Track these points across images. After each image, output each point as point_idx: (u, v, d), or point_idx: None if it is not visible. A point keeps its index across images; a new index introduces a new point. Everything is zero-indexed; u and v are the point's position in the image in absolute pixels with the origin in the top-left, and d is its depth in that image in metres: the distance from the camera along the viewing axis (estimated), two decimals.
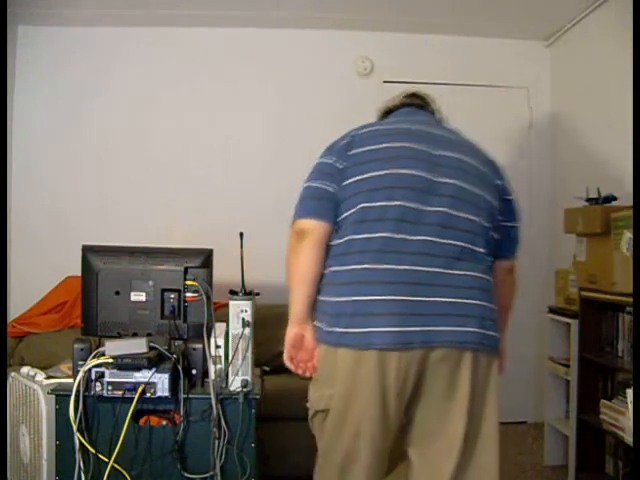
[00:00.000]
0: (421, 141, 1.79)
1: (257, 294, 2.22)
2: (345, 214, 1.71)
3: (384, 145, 1.77)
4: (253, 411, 2.08)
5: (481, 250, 1.74)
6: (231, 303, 2.09)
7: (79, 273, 2.16)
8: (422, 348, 1.60)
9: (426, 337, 1.60)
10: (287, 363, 1.82)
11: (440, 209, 1.68)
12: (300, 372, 1.82)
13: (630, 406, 2.43)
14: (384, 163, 1.71)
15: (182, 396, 2.03)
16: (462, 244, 1.69)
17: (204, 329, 2.06)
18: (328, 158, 1.81)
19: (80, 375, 1.98)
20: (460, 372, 1.64)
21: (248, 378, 2.08)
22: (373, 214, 1.66)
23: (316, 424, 1.83)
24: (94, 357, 2.01)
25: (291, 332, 1.77)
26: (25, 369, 2.33)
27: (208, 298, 2.09)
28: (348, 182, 1.72)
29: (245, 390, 2.06)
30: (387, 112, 2.10)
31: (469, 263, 1.69)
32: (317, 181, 1.79)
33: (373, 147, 1.76)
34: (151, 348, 2.04)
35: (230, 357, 2.07)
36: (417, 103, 2.09)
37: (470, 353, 1.65)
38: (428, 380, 1.64)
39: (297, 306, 1.75)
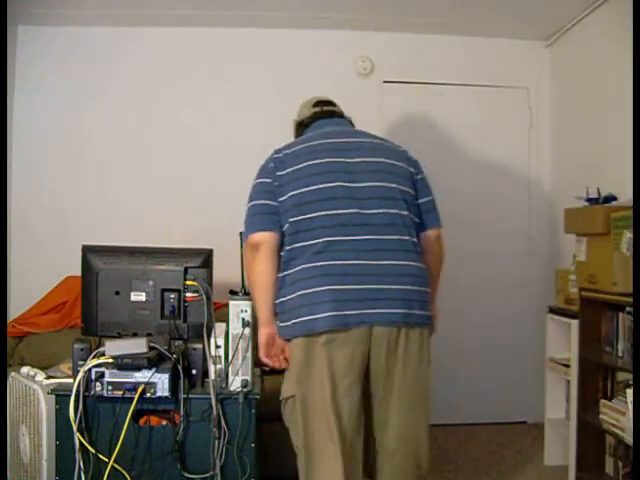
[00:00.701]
0: (338, 154, 2.05)
1: None
2: (284, 227, 1.98)
3: (307, 163, 2.03)
4: (253, 411, 2.08)
5: (406, 238, 2.04)
6: (231, 303, 2.09)
7: (79, 273, 2.16)
8: (361, 328, 1.88)
9: (361, 319, 1.88)
10: (264, 360, 2.02)
11: (372, 211, 1.99)
12: (277, 365, 2.02)
13: (630, 406, 2.44)
14: (309, 179, 1.99)
15: (182, 396, 2.03)
16: (383, 238, 1.97)
17: (204, 329, 2.06)
18: (265, 178, 2.08)
19: (80, 375, 1.98)
20: (397, 348, 1.94)
21: (248, 378, 2.08)
22: (303, 225, 1.95)
23: (287, 413, 1.99)
24: (94, 357, 2.01)
25: (263, 333, 2.00)
26: (25, 369, 2.34)
27: (208, 298, 2.09)
28: (283, 198, 2.00)
29: (245, 390, 2.06)
30: (304, 125, 2.30)
31: (396, 253, 1.98)
32: (261, 199, 2.04)
33: (299, 166, 2.03)
34: (151, 348, 2.04)
35: (230, 357, 2.08)
36: (327, 110, 2.29)
37: (404, 329, 1.95)
38: (372, 358, 1.93)
39: (263, 310, 1.99)
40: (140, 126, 3.78)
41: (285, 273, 1.96)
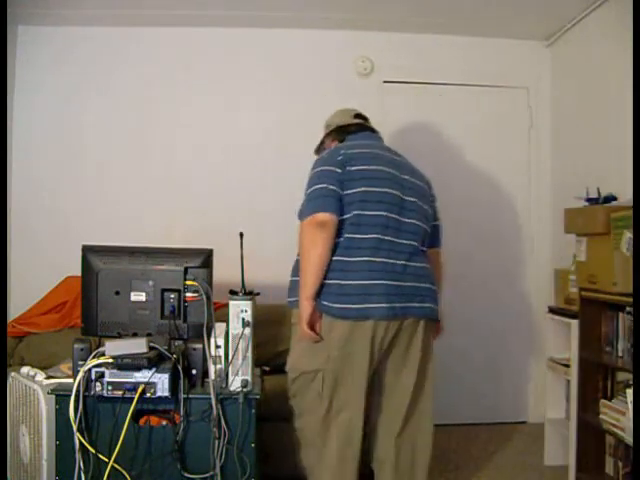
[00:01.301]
0: (391, 166, 2.39)
1: (257, 294, 2.22)
2: (347, 216, 2.23)
3: (375, 167, 2.33)
4: (253, 411, 2.08)
5: (425, 248, 2.45)
6: (231, 303, 2.09)
7: (79, 273, 2.16)
8: (400, 319, 2.24)
9: (404, 311, 2.24)
10: (307, 332, 2.19)
11: (410, 220, 2.34)
12: (312, 338, 2.21)
13: (630, 406, 2.44)
14: (377, 181, 2.29)
15: (182, 396, 2.03)
16: (415, 244, 2.35)
17: (204, 329, 2.06)
18: (334, 167, 2.28)
19: (80, 375, 1.98)
20: (416, 336, 2.32)
21: (248, 378, 2.08)
22: (365, 220, 2.23)
23: (300, 384, 2.27)
24: (94, 357, 2.01)
25: (309, 306, 2.18)
26: (25, 369, 2.34)
27: (208, 298, 2.09)
28: (351, 191, 2.24)
29: (245, 390, 2.06)
30: (347, 131, 2.57)
31: (420, 257, 2.37)
32: (331, 184, 2.24)
33: (369, 167, 2.31)
34: (151, 348, 2.04)
35: (230, 357, 2.08)
36: (369, 127, 2.66)
37: (423, 322, 2.34)
38: (396, 343, 2.28)
39: (314, 287, 2.18)
40: (140, 126, 3.78)
41: (343, 259, 2.21)
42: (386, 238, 2.24)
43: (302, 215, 2.26)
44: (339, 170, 2.26)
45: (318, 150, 2.68)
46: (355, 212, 2.22)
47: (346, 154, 2.32)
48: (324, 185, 2.24)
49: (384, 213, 2.26)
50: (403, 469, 2.35)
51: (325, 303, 2.18)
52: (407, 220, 2.32)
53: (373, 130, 2.63)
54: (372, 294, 2.17)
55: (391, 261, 2.23)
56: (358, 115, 2.66)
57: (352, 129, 2.56)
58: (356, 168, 2.28)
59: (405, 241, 2.30)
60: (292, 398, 2.34)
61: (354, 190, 2.24)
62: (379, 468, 2.37)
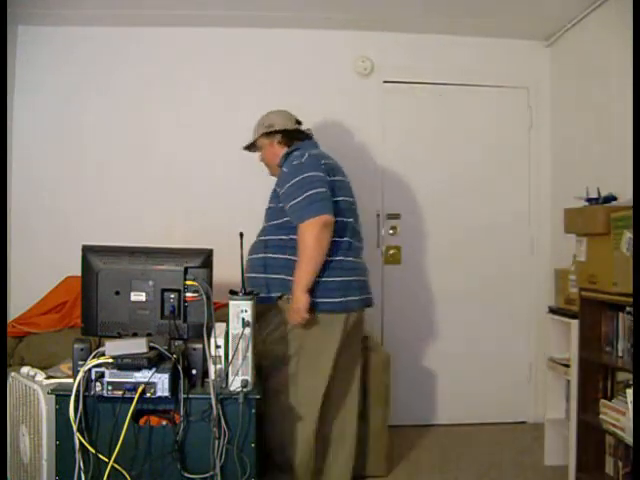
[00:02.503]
0: (344, 174, 2.77)
1: (257, 294, 2.22)
2: None
3: (342, 178, 2.73)
4: (253, 411, 2.08)
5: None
6: (231, 303, 2.09)
7: (79, 273, 2.16)
8: (362, 308, 2.75)
9: (366, 301, 2.75)
10: (304, 315, 2.47)
11: (359, 223, 2.79)
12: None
13: (630, 406, 2.44)
14: (346, 191, 2.72)
15: (182, 396, 2.03)
16: (363, 244, 2.82)
17: (204, 329, 2.06)
18: (320, 173, 2.56)
19: (80, 375, 1.98)
20: (362, 322, 2.82)
21: (248, 378, 2.08)
22: (342, 225, 2.61)
23: (293, 366, 2.56)
24: (94, 357, 2.01)
25: (306, 297, 2.47)
26: (25, 369, 2.34)
27: (208, 298, 2.09)
28: (336, 199, 2.61)
29: (245, 390, 2.06)
30: (299, 138, 2.81)
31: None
32: (324, 187, 2.52)
33: (338, 178, 2.68)
34: (151, 348, 2.04)
35: (230, 357, 2.08)
36: (311, 135, 2.89)
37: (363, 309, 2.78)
38: (356, 329, 2.74)
39: (311, 280, 2.48)
40: (140, 126, 3.78)
41: (328, 259, 2.53)
42: (353, 241, 2.67)
43: (304, 216, 2.45)
44: (328, 178, 2.57)
45: (250, 147, 2.93)
46: (337, 218, 2.55)
47: (326, 164, 2.63)
48: (323, 189, 2.50)
49: (352, 220, 2.69)
50: (344, 443, 2.77)
51: (316, 299, 2.52)
52: (358, 224, 2.76)
53: (312, 137, 2.88)
54: (352, 289, 2.61)
55: (357, 260, 2.69)
56: (298, 121, 2.90)
57: (300, 136, 2.81)
58: (335, 178, 2.63)
59: (360, 243, 2.76)
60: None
61: (337, 199, 2.60)
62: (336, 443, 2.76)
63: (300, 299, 2.46)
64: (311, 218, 2.42)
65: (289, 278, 2.51)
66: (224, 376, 2.11)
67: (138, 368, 1.97)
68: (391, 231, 3.96)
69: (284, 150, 2.76)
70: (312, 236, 2.43)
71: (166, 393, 1.99)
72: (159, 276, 2.11)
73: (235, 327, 2.08)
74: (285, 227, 2.59)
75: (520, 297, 4.04)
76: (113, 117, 3.78)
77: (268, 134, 2.80)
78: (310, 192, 2.46)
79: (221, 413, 2.03)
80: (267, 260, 2.60)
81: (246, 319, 2.08)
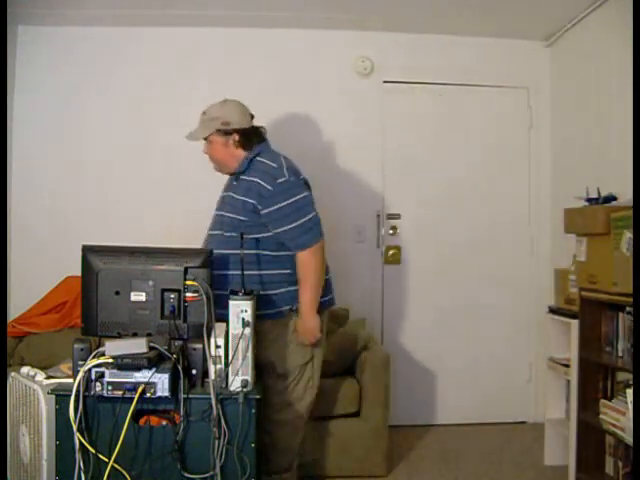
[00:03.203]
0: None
1: (257, 294, 2.22)
2: None
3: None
4: (253, 411, 2.08)
5: None
6: (231, 303, 2.09)
7: (79, 273, 2.16)
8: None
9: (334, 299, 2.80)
10: (317, 334, 2.55)
11: None
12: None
13: (630, 406, 2.44)
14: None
15: (182, 396, 2.03)
16: None
17: (204, 329, 2.06)
18: (306, 191, 2.56)
19: (80, 375, 1.98)
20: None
21: (248, 378, 2.08)
22: None
23: (309, 370, 2.62)
24: (94, 357, 2.01)
25: (316, 319, 2.53)
26: (25, 369, 2.33)
27: (208, 298, 2.09)
28: None
29: (245, 390, 2.06)
30: (258, 140, 2.66)
31: None
32: (314, 210, 2.54)
33: (310, 191, 2.64)
34: (151, 348, 2.03)
35: (230, 357, 2.07)
36: (265, 133, 2.76)
37: None
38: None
39: (318, 301, 2.55)
40: (140, 126, 3.78)
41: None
42: None
43: (306, 244, 2.47)
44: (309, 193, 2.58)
45: (194, 136, 2.73)
46: None
47: (303, 178, 2.60)
48: (315, 213, 2.53)
49: None
50: None
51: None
52: None
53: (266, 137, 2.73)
54: (328, 286, 2.70)
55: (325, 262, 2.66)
56: (252, 115, 2.70)
57: (259, 139, 2.65)
58: (310, 192, 2.60)
59: None
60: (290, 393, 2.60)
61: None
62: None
63: (311, 321, 2.50)
64: (312, 245, 2.47)
65: (292, 289, 2.52)
66: (224, 376, 2.11)
67: (138, 368, 1.97)
68: (391, 231, 3.96)
69: (243, 154, 2.59)
70: (317, 262, 2.49)
71: (166, 393, 1.99)
72: (159, 276, 2.10)
73: (235, 327, 2.07)
74: (270, 242, 2.49)
75: (520, 297, 4.04)
76: (113, 117, 3.78)
77: (224, 132, 2.60)
78: (305, 218, 2.48)
79: (221, 413, 2.03)
80: (263, 277, 2.49)
81: (246, 319, 2.07)
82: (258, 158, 2.57)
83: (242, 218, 2.49)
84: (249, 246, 2.43)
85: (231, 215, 2.54)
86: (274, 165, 2.54)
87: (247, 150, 2.60)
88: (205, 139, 2.68)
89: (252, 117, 2.69)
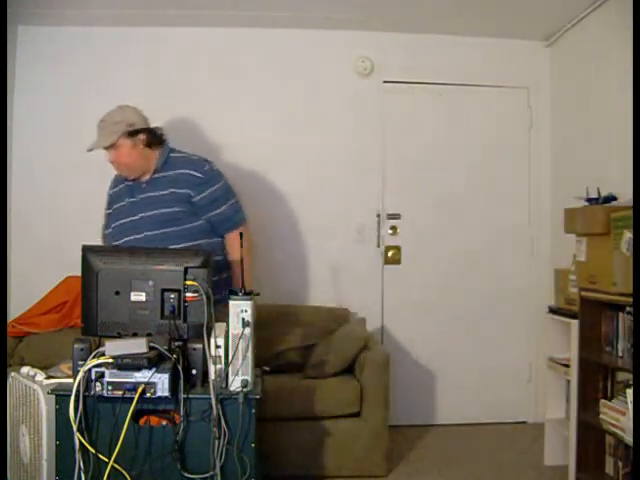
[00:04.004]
0: None
1: (257, 294, 2.21)
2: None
3: None
4: (253, 411, 2.08)
5: None
6: (231, 303, 2.09)
7: (79, 273, 2.16)
8: None
9: None
10: None
11: None
12: None
13: (630, 406, 2.43)
14: None
15: (182, 396, 2.02)
16: None
17: (204, 329, 2.06)
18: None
19: (80, 375, 1.98)
20: None
21: (248, 378, 2.08)
22: None
23: None
24: (94, 357, 2.01)
25: None
26: (25, 369, 2.33)
27: (208, 298, 2.09)
28: None
29: (245, 390, 2.06)
30: (158, 139, 2.74)
31: None
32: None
33: None
34: (151, 348, 2.03)
35: (230, 357, 2.07)
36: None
37: None
38: None
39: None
40: None
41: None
42: None
43: (242, 220, 2.74)
44: None
45: (100, 144, 2.71)
46: None
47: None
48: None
49: None
50: None
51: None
52: None
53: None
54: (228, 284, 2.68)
55: None
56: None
57: (161, 139, 2.76)
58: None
59: None
60: None
61: None
62: None
63: None
64: (244, 223, 2.75)
65: (225, 275, 2.69)
66: (224, 376, 2.11)
67: (138, 368, 1.97)
68: (391, 231, 3.96)
69: (155, 152, 2.70)
70: (248, 238, 2.65)
71: (166, 393, 1.99)
72: (159, 276, 2.10)
73: (235, 327, 2.07)
74: (206, 230, 2.69)
75: (520, 297, 4.04)
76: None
77: (131, 134, 2.63)
78: (234, 199, 2.74)
79: (221, 413, 2.03)
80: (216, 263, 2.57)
81: (246, 319, 2.07)
82: (173, 154, 2.72)
83: (178, 209, 2.63)
84: (184, 238, 2.61)
85: (165, 210, 2.64)
86: (194, 157, 2.76)
87: (155, 149, 2.70)
88: (110, 147, 2.67)
89: (147, 118, 2.76)
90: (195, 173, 2.68)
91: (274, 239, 3.81)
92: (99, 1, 3.42)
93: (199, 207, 2.67)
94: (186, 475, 2.04)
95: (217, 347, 2.13)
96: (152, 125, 2.75)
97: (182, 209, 2.65)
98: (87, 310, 2.11)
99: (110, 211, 2.85)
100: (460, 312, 3.98)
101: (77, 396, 1.98)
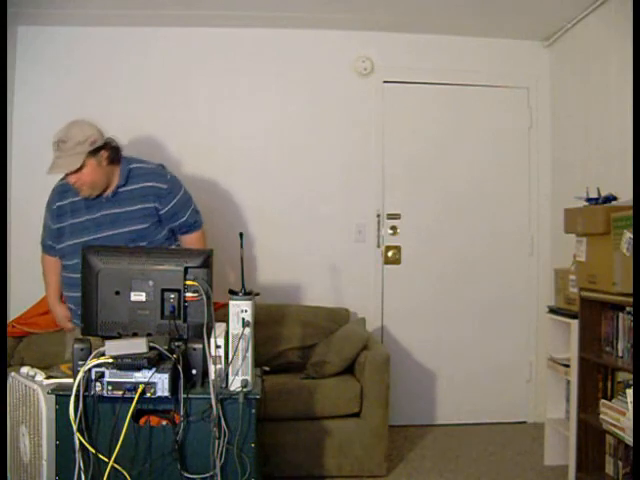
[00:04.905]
0: None
1: (257, 294, 2.21)
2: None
3: None
4: (253, 411, 2.08)
5: None
6: (231, 303, 2.09)
7: None
8: None
9: None
10: None
11: None
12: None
13: (630, 406, 2.44)
14: None
15: (182, 396, 2.02)
16: None
17: (204, 329, 2.06)
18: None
19: (80, 375, 1.98)
20: None
21: (248, 378, 2.08)
22: None
23: None
24: (94, 357, 2.01)
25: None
26: (25, 369, 2.33)
27: (208, 298, 2.08)
28: None
29: (245, 390, 2.06)
30: (114, 147, 2.64)
31: None
32: None
33: None
34: (151, 348, 2.03)
35: (230, 357, 2.07)
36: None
37: None
38: None
39: None
40: (139, 126, 3.77)
41: None
42: None
43: (201, 224, 2.80)
44: None
45: (68, 167, 2.50)
46: None
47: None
48: None
49: None
50: None
51: None
52: None
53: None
54: None
55: None
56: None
57: (118, 151, 2.65)
58: None
59: None
60: None
61: None
62: None
63: None
64: (202, 225, 2.83)
65: None
66: (224, 376, 2.11)
67: (138, 368, 1.97)
68: (391, 231, 3.96)
69: (117, 167, 2.60)
70: (205, 242, 2.82)
71: (166, 393, 1.99)
72: (159, 276, 2.10)
73: (235, 327, 2.07)
74: (168, 237, 2.72)
75: (520, 297, 4.04)
76: (113, 117, 3.76)
77: (93, 152, 2.50)
78: (193, 204, 2.79)
79: (221, 413, 2.03)
80: None
81: (246, 319, 2.07)
82: (133, 166, 2.64)
83: (147, 224, 2.59)
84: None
85: (135, 227, 2.58)
86: (152, 167, 2.71)
87: (116, 163, 2.60)
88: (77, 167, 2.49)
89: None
90: (160, 185, 2.63)
91: (274, 239, 3.81)
92: (99, 1, 3.42)
93: (164, 218, 2.66)
94: (186, 475, 2.04)
95: (217, 347, 2.13)
96: (106, 136, 2.60)
97: (151, 223, 2.62)
98: (87, 310, 2.11)
99: (60, 226, 2.64)
100: (460, 312, 3.98)
101: (77, 396, 1.98)
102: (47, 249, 2.75)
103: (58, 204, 2.65)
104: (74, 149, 2.47)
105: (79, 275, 2.16)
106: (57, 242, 2.66)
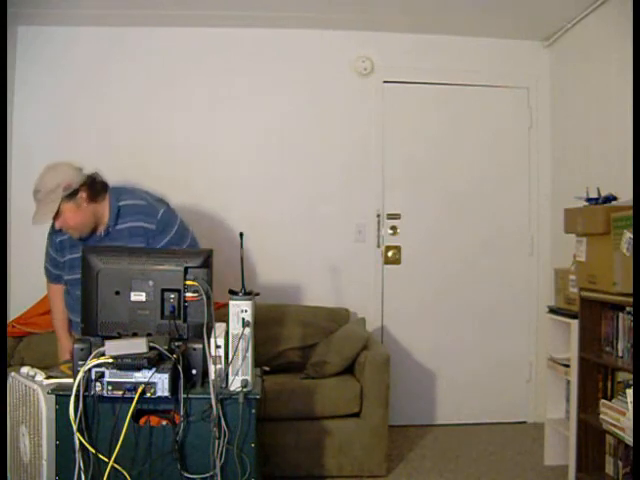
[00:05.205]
0: None
1: (257, 294, 2.21)
2: None
3: None
4: (253, 411, 2.08)
5: None
6: (231, 303, 2.08)
7: None
8: None
9: None
10: None
11: None
12: None
13: (630, 406, 2.44)
14: None
15: (182, 396, 2.02)
16: None
17: (204, 329, 2.06)
18: (176, 213, 2.70)
19: (80, 375, 1.98)
20: None
21: (248, 378, 2.08)
22: None
23: None
24: (94, 357, 2.01)
25: None
26: (25, 369, 2.33)
27: (208, 298, 2.08)
28: None
29: (245, 390, 2.06)
30: (94, 187, 2.54)
31: None
32: (188, 227, 2.73)
33: None
34: (151, 348, 2.03)
35: (230, 357, 2.07)
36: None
37: None
38: None
39: None
40: (139, 126, 3.78)
41: None
42: None
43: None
44: None
45: (44, 218, 2.47)
46: None
47: (161, 198, 2.76)
48: (189, 230, 2.72)
49: None
50: None
51: None
52: None
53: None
54: None
55: None
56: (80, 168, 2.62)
57: (103, 185, 2.59)
58: (173, 210, 2.73)
59: None
60: None
61: None
62: None
63: None
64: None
65: None
66: (224, 376, 2.11)
67: (138, 368, 1.97)
68: (391, 231, 3.96)
69: (102, 205, 2.54)
70: None
71: (166, 393, 1.99)
72: (159, 276, 2.10)
73: (235, 327, 2.07)
74: None
75: (520, 297, 4.04)
76: (112, 117, 3.78)
77: (70, 196, 2.45)
78: (189, 240, 2.66)
79: (221, 413, 2.03)
80: None
81: (246, 319, 2.07)
82: (122, 203, 2.56)
83: None
84: None
85: None
86: (143, 203, 2.59)
87: (100, 201, 2.53)
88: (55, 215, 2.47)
89: (81, 169, 2.55)
90: (148, 225, 2.55)
91: (274, 239, 3.81)
92: (99, 1, 3.42)
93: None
94: (186, 475, 2.04)
95: (217, 347, 2.13)
96: (88, 172, 2.55)
97: None
98: (87, 310, 2.11)
99: (65, 260, 2.64)
100: (460, 312, 3.98)
101: (77, 396, 1.98)
102: (52, 278, 2.73)
103: (59, 239, 2.64)
104: (48, 197, 2.43)
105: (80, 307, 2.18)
106: (69, 274, 2.64)
